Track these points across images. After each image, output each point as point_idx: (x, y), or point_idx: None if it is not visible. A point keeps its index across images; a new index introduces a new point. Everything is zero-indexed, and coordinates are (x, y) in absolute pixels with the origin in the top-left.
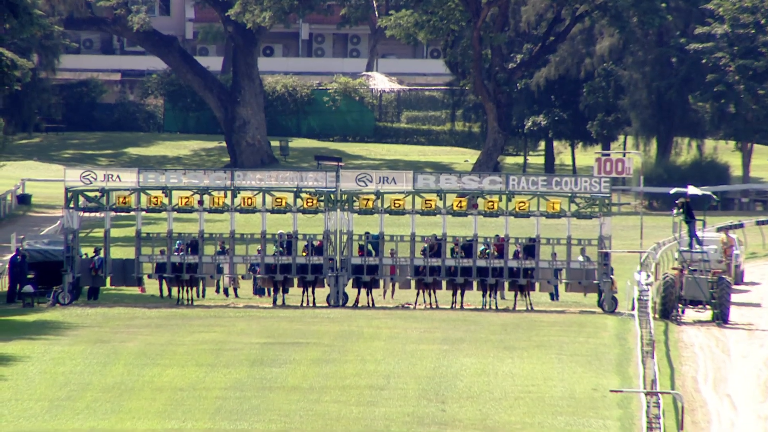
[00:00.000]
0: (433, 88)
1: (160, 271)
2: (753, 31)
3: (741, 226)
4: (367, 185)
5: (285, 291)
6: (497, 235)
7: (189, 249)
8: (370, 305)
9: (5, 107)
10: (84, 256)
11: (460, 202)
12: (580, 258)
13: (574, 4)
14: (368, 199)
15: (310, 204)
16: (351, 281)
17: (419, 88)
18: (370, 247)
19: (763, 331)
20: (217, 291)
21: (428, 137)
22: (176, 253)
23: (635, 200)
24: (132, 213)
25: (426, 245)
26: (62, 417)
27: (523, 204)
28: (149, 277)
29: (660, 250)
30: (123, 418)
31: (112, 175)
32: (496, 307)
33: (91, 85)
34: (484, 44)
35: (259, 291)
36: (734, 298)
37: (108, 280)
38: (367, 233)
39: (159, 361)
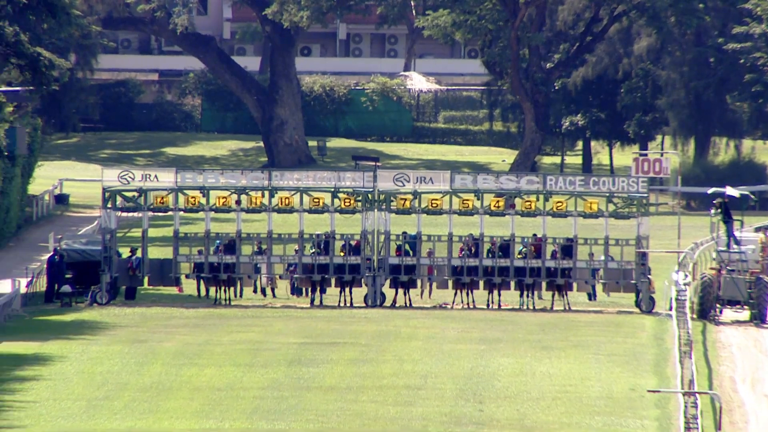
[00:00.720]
0: (471, 88)
1: (198, 270)
2: None
3: None
4: (404, 185)
5: (322, 291)
6: (534, 235)
7: (226, 249)
8: (408, 305)
9: (43, 107)
10: (122, 256)
11: (498, 202)
12: (602, 257)
13: (611, 4)
14: (406, 199)
15: (347, 204)
16: (388, 281)
17: (457, 88)
18: (407, 247)
19: None
20: (255, 291)
21: (466, 137)
22: (215, 254)
23: (673, 200)
24: (169, 213)
25: (464, 247)
26: (100, 417)
27: (560, 204)
28: (187, 277)
29: (698, 250)
30: (161, 417)
31: (150, 175)
32: (534, 307)
33: (129, 85)
34: (521, 44)
35: (296, 291)
36: None
37: (145, 280)
38: (404, 233)
39: (196, 360)
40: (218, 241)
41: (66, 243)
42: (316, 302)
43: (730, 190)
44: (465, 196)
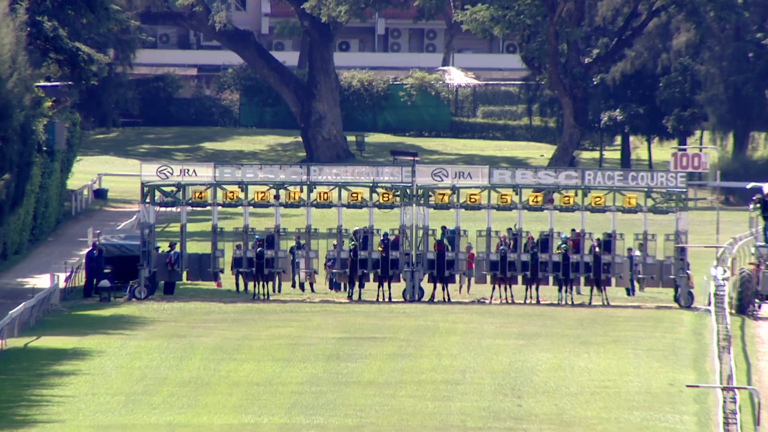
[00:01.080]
0: (509, 83)
1: (237, 265)
2: None
3: None
4: (442, 180)
5: (361, 286)
6: (573, 230)
7: (265, 244)
8: (446, 300)
9: (82, 102)
10: (160, 251)
11: (536, 197)
12: (637, 252)
13: None
14: (444, 194)
15: (386, 199)
16: (427, 276)
17: (495, 83)
18: (446, 241)
19: None
20: (293, 286)
21: (504, 132)
22: (254, 248)
23: (711, 195)
24: (208, 207)
25: (501, 243)
26: (139, 411)
27: (599, 199)
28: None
29: (736, 245)
30: (199, 412)
31: (189, 170)
32: (572, 302)
33: (168, 79)
34: (560, 39)
35: (334, 286)
36: None
37: (184, 274)
38: (443, 227)
39: (235, 355)
40: (257, 237)
41: (105, 238)
42: (355, 297)
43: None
44: (503, 191)
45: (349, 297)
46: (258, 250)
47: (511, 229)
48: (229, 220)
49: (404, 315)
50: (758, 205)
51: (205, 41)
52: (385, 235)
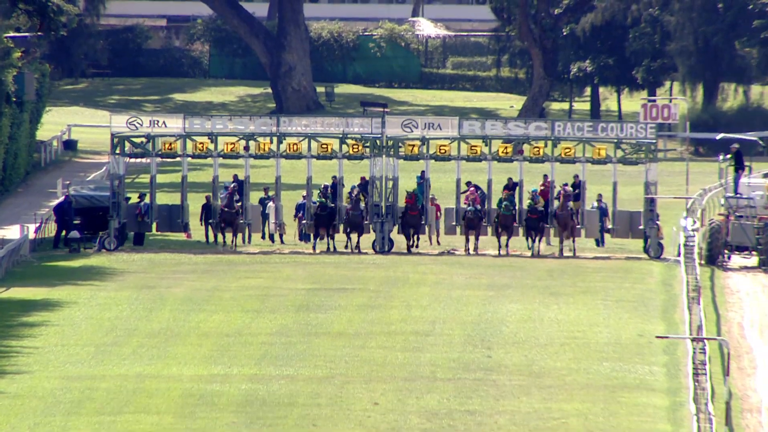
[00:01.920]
0: (479, 34)
1: (207, 216)
2: None
3: None
4: (412, 131)
5: (331, 237)
6: (545, 176)
7: (236, 190)
8: (414, 247)
9: (51, 53)
10: (130, 202)
11: (506, 148)
12: (595, 204)
13: None
14: (414, 145)
15: (355, 150)
16: (397, 227)
17: (465, 34)
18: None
19: None
20: (263, 237)
21: (474, 83)
22: (222, 196)
23: (681, 146)
24: (178, 159)
25: (468, 200)
26: (108, 362)
27: (568, 150)
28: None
29: (706, 196)
30: (169, 363)
31: (158, 121)
32: (539, 252)
33: (137, 30)
34: None
35: (304, 237)
36: None
37: (154, 226)
38: (423, 172)
39: (205, 306)
40: (224, 187)
41: (74, 189)
42: (323, 248)
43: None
44: (473, 142)
45: (313, 248)
46: (227, 196)
47: (471, 182)
48: (199, 171)
49: (374, 266)
50: (730, 157)
51: None
52: (352, 188)
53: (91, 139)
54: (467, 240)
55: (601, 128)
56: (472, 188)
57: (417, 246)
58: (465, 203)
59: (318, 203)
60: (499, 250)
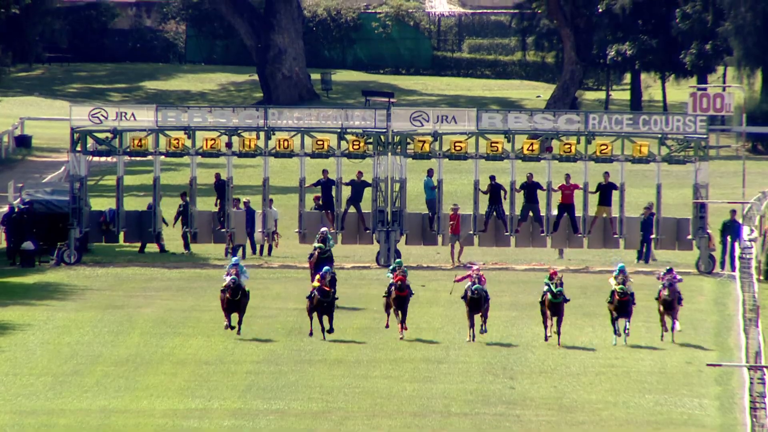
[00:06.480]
0: (501, 11)
1: (183, 223)
2: None
3: None
4: (422, 125)
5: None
6: (567, 175)
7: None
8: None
9: (2, 34)
10: (93, 208)
11: (532, 144)
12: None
13: None
14: (424, 142)
15: (356, 147)
16: (404, 237)
17: (484, 11)
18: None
19: None
20: (254, 252)
21: (494, 69)
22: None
23: (736, 142)
24: (149, 157)
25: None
26: (68, 395)
27: (605, 147)
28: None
29: (765, 200)
30: (139, 396)
31: (126, 114)
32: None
33: (102, 8)
34: None
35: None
36: None
37: (121, 235)
38: (430, 170)
39: (181, 330)
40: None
41: (28, 192)
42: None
43: None
44: (493, 137)
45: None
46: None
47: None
48: (174, 172)
49: (377, 282)
50: None
51: None
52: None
53: (47, 135)
54: (471, 326)
55: (642, 121)
56: (473, 268)
57: (403, 330)
58: (470, 280)
59: (317, 249)
60: (546, 334)
